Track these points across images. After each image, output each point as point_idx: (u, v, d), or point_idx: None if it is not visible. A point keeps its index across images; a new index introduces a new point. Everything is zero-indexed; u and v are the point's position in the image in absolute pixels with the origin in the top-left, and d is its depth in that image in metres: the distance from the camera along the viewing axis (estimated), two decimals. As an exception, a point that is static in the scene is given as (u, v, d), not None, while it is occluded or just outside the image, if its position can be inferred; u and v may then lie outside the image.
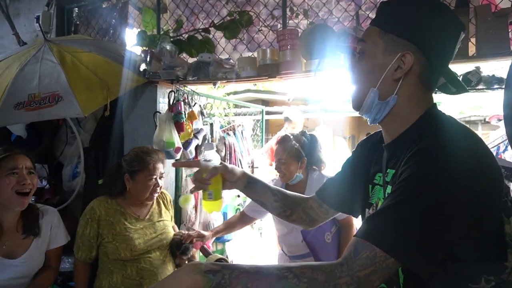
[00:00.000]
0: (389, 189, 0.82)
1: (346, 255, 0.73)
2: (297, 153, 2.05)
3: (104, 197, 1.85)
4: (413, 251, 0.70)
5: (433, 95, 0.90)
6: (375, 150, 0.97)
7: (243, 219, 2.22)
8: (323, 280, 0.70)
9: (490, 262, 0.76)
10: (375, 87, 0.85)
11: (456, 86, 0.89)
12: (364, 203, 0.98)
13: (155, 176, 1.83)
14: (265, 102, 9.19)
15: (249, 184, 1.13)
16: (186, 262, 1.94)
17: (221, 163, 1.11)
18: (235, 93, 7.55)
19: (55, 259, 1.76)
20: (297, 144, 2.07)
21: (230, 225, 2.24)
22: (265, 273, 0.72)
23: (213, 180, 1.06)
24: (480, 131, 7.65)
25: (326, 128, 5.50)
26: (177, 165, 1.17)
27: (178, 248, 1.90)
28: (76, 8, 2.92)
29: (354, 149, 1.12)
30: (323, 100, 6.24)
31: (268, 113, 6.96)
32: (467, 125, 0.83)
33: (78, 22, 2.89)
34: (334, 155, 4.38)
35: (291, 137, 2.13)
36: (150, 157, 1.83)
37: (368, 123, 0.92)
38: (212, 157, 1.10)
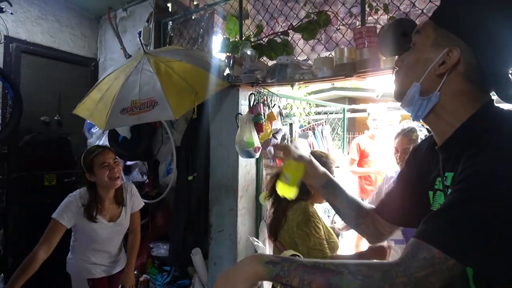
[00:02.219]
0: (449, 193, 0.79)
1: (403, 255, 0.71)
2: None
3: (301, 202, 1.85)
4: (476, 253, 0.65)
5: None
6: (431, 154, 0.92)
7: None
8: (378, 278, 0.70)
9: None
10: (418, 81, 0.83)
11: (503, 97, 0.78)
12: (426, 211, 0.90)
13: None
14: (351, 100, 8.88)
15: (327, 185, 1.13)
16: None
17: (309, 156, 1.14)
18: (321, 91, 7.48)
19: (136, 220, 2.34)
20: (420, 138, 2.09)
21: None
22: (321, 268, 0.75)
23: (294, 166, 1.08)
24: None
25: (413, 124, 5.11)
26: (276, 148, 1.22)
27: None
28: (171, 22, 3.24)
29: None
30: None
31: (354, 111, 6.74)
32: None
33: (172, 34, 3.22)
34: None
35: (416, 127, 2.16)
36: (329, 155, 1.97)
37: (411, 119, 0.89)
38: (304, 148, 1.13)
